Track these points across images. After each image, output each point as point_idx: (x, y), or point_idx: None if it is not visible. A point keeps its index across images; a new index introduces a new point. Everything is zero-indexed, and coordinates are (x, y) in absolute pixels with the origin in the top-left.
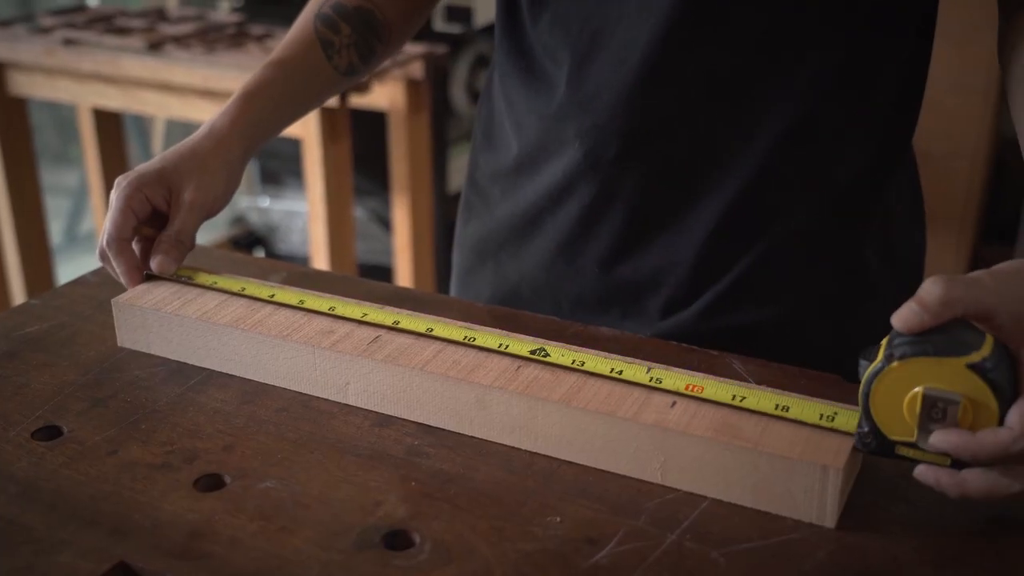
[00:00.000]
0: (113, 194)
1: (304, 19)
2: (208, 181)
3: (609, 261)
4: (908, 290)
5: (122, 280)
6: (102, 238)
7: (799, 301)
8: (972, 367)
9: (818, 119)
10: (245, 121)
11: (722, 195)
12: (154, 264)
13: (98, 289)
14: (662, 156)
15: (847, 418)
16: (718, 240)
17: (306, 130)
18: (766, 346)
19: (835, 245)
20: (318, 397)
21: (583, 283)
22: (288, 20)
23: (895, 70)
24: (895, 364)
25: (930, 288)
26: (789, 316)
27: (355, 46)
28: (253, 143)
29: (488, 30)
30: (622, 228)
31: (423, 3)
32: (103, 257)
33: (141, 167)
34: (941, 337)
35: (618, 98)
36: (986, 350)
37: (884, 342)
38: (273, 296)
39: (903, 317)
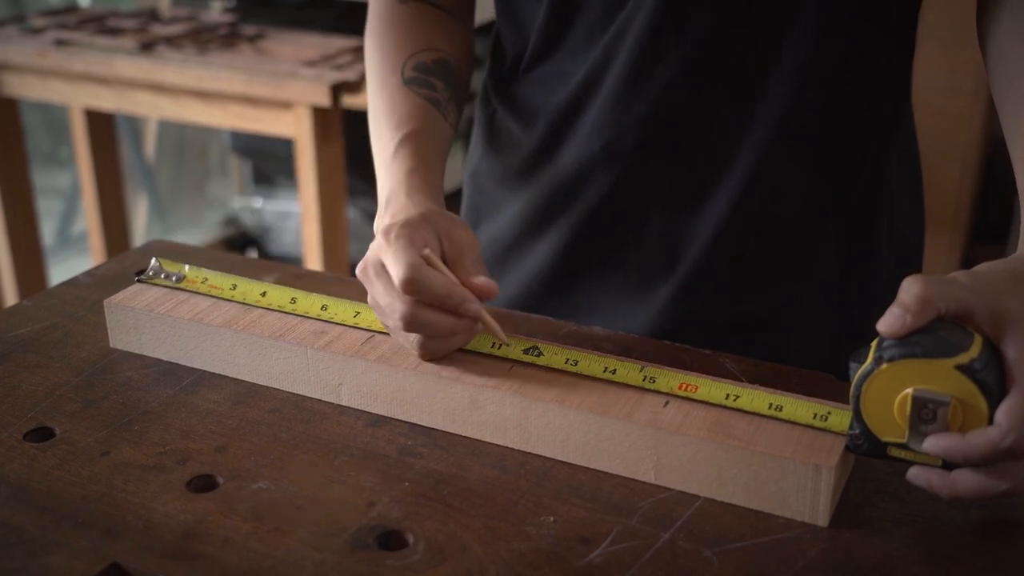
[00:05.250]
0: (383, 240)
1: (392, 91)
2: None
3: (624, 247)
4: (910, 271)
5: (430, 350)
6: (390, 307)
7: (806, 281)
8: (960, 368)
9: (817, 102)
10: (428, 190)
11: (735, 173)
12: None
13: (90, 290)
14: (679, 141)
15: (840, 418)
16: (732, 220)
17: (299, 130)
18: (774, 324)
19: (840, 226)
20: (311, 398)
21: (598, 271)
22: (279, 21)
23: (886, 50)
24: (884, 366)
25: (908, 288)
26: (797, 295)
27: (452, 99)
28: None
29: (481, 30)
30: (639, 214)
31: (471, 45)
32: (411, 323)
33: (397, 219)
34: (929, 338)
35: (626, 86)
36: (975, 351)
37: (874, 344)
38: (264, 294)
39: (887, 322)
